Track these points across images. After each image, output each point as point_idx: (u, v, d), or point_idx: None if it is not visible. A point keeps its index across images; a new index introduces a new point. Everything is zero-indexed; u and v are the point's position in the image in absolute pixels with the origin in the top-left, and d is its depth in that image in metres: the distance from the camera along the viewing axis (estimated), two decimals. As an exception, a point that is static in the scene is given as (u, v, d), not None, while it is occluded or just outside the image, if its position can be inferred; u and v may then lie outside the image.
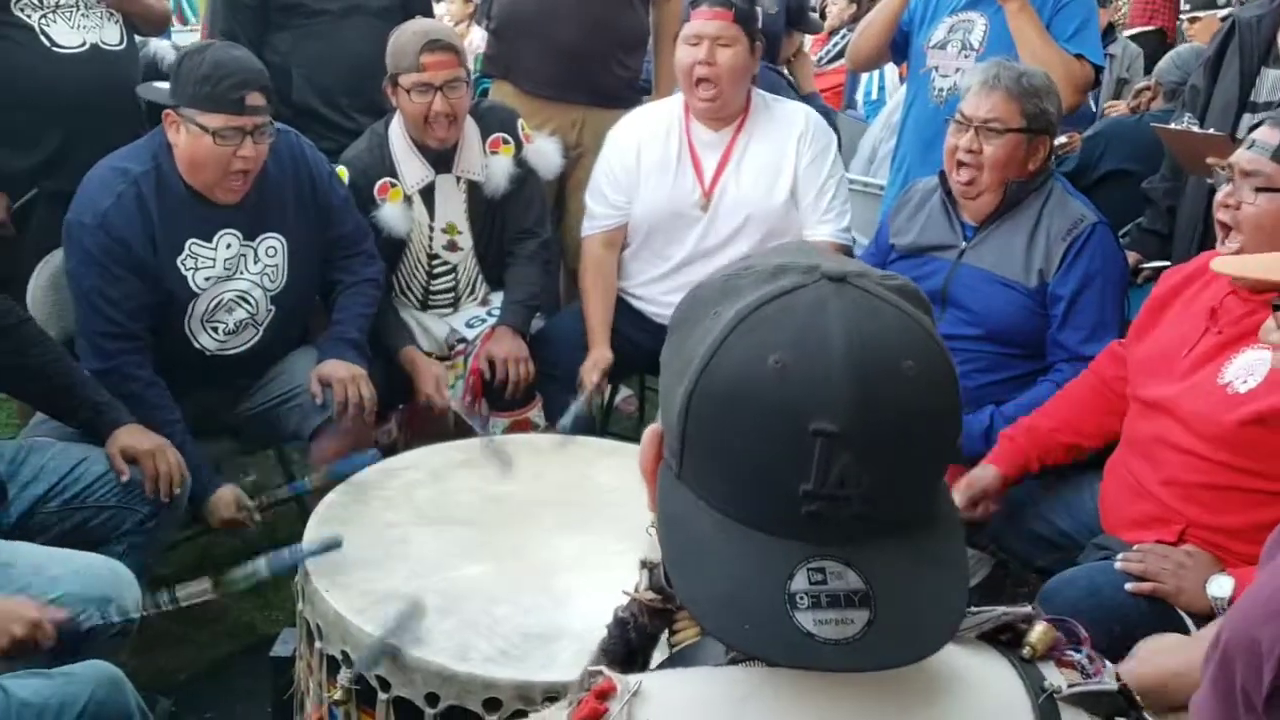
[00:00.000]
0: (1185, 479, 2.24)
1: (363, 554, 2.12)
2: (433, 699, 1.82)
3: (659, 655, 1.08)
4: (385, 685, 1.87)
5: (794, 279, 0.84)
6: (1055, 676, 0.92)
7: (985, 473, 2.57)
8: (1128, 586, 2.15)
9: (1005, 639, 0.94)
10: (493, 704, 1.79)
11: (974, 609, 0.94)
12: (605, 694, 0.85)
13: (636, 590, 1.02)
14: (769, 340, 0.81)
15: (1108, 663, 0.96)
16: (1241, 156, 2.24)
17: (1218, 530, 2.19)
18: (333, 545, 2.10)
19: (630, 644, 1.04)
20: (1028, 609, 0.96)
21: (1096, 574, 2.22)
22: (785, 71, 5.09)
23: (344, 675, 1.93)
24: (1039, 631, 0.93)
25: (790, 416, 0.80)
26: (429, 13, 3.49)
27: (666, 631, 1.07)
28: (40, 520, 2.40)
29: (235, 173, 2.69)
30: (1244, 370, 2.19)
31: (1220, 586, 2.08)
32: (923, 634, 0.82)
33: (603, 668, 0.89)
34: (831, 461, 0.79)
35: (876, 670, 0.81)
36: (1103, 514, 2.44)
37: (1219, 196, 2.30)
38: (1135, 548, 2.21)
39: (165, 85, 2.80)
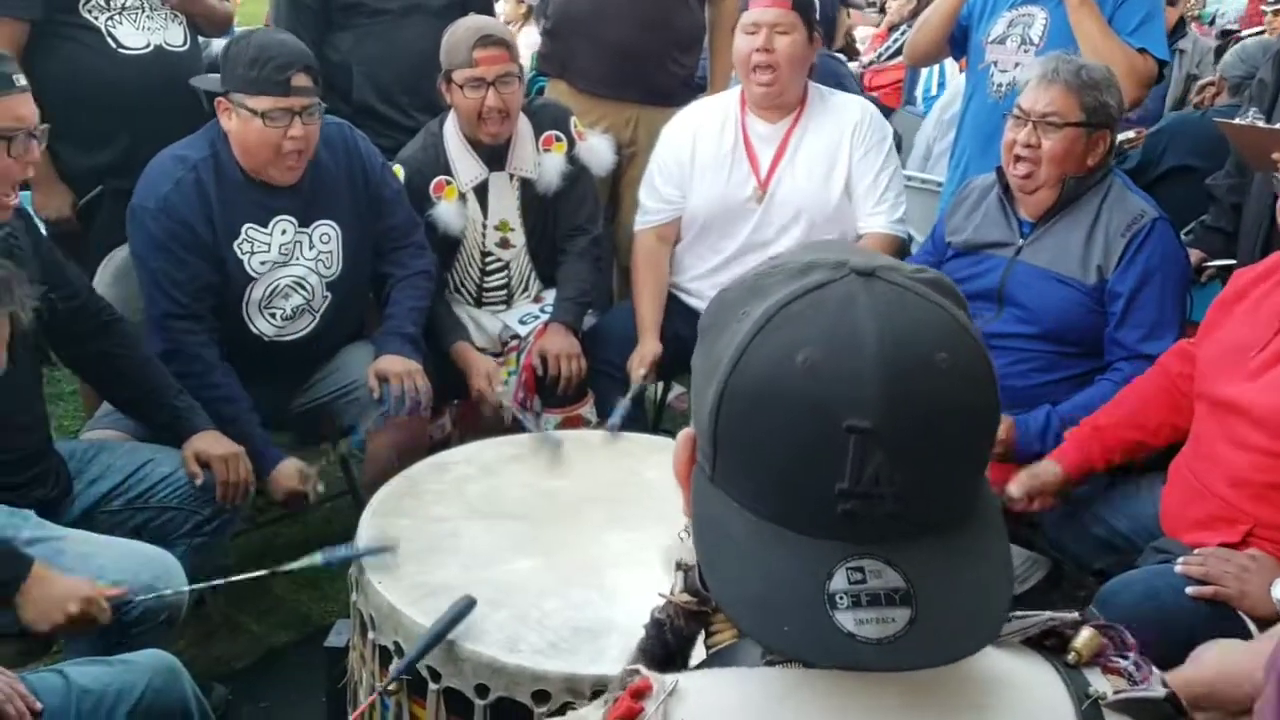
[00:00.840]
0: (1253, 479, 2.19)
1: (415, 547, 2.14)
2: (482, 690, 1.84)
3: (697, 656, 1.08)
4: (436, 676, 1.88)
5: (822, 275, 0.82)
6: (1100, 683, 0.90)
7: (1047, 469, 2.53)
8: (1189, 590, 2.11)
9: (1050, 644, 0.93)
10: (541, 696, 1.80)
11: (1020, 613, 0.92)
12: (641, 693, 0.85)
13: (672, 593, 1.01)
14: (797, 337, 0.80)
15: (1155, 670, 0.94)
16: None
17: None
18: (387, 549, 2.11)
19: (668, 645, 1.03)
20: (1074, 614, 0.94)
21: (1155, 577, 2.19)
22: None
23: (395, 666, 1.95)
24: (1085, 637, 0.92)
25: (821, 414, 0.78)
26: (489, 12, 3.50)
27: (703, 634, 1.06)
28: (103, 518, 2.45)
29: (288, 153, 2.74)
30: None
31: None
32: (966, 632, 0.81)
33: (640, 667, 0.88)
34: (866, 458, 0.78)
35: (918, 669, 0.80)
36: (1164, 516, 2.39)
37: None
38: (1196, 551, 2.17)
39: (216, 76, 2.86)
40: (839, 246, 0.91)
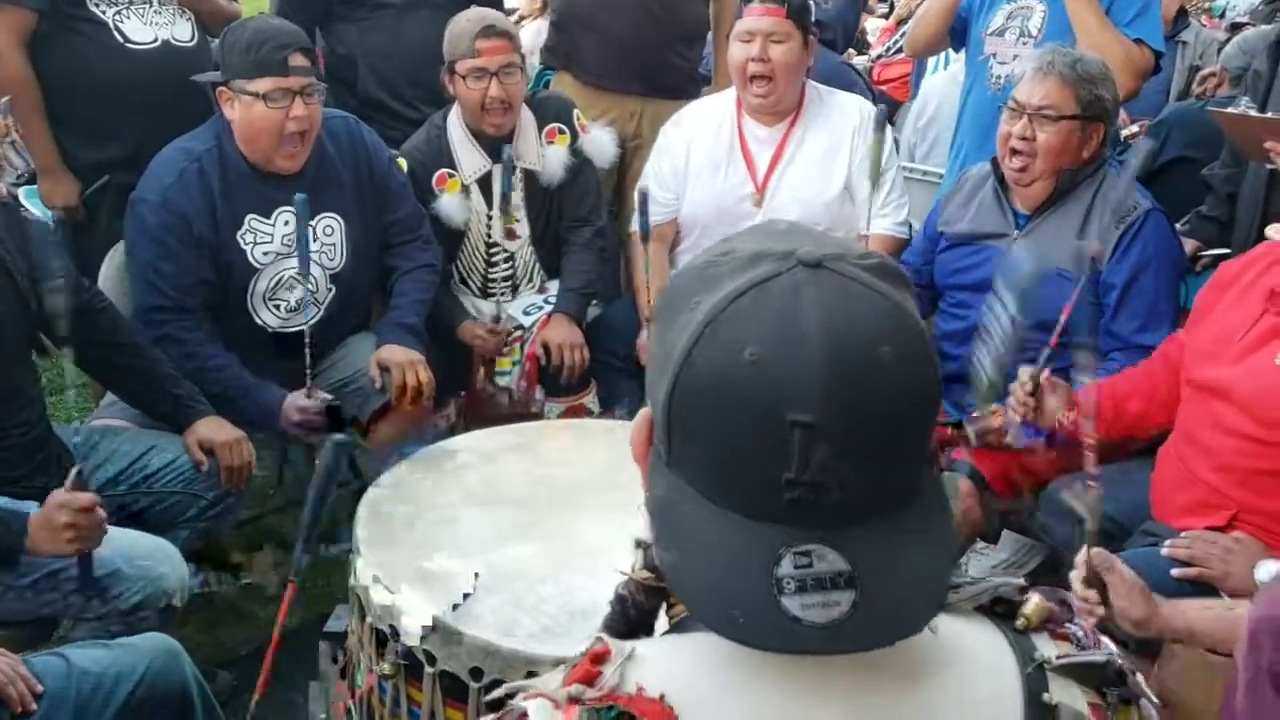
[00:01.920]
0: (1238, 464, 2.23)
1: (413, 533, 2.17)
2: (477, 673, 1.87)
3: (661, 629, 1.11)
4: (432, 660, 1.91)
5: (770, 266, 0.85)
6: (1048, 648, 0.93)
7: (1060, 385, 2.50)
8: (1174, 573, 2.14)
9: (1000, 611, 0.96)
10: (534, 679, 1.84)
11: (969, 579, 0.96)
12: (600, 658, 0.88)
13: (632, 569, 1.04)
14: (744, 334, 0.82)
15: (1106, 639, 0.97)
16: None
17: (1269, 515, 2.18)
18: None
19: (630, 620, 1.06)
20: (1020, 581, 0.97)
21: (1143, 560, 2.20)
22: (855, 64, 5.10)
23: (392, 649, 1.98)
24: (1033, 604, 0.95)
25: (768, 409, 0.81)
26: (493, 4, 3.54)
27: (665, 606, 1.09)
28: (108, 503, 2.46)
29: (291, 135, 2.77)
30: None
31: (1268, 571, 2.07)
32: (908, 613, 0.84)
33: (602, 635, 0.92)
34: (811, 451, 0.80)
35: (863, 651, 0.83)
36: (1153, 502, 2.43)
37: None
38: (1182, 534, 2.20)
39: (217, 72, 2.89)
40: (793, 231, 0.92)
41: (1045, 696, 0.89)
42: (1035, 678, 0.90)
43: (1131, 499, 2.50)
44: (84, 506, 2.07)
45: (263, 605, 3.13)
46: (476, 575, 1.96)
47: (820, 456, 0.80)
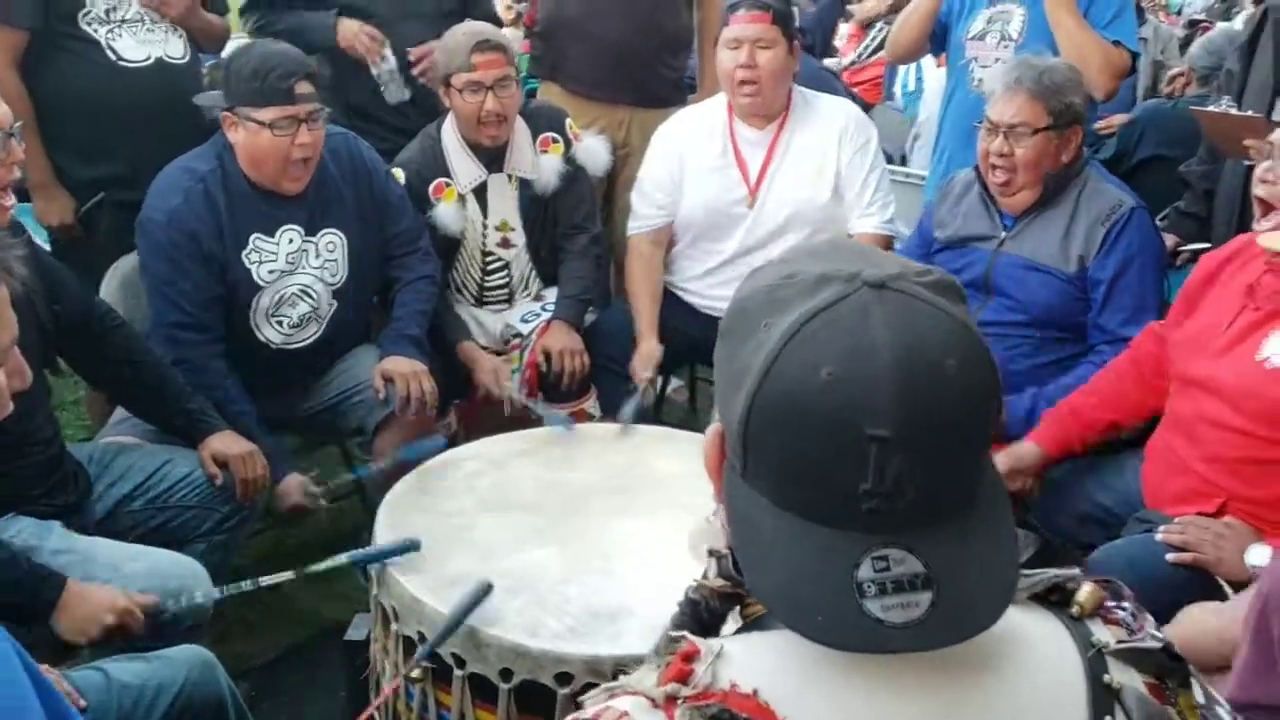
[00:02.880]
0: (1226, 455, 2.30)
1: (433, 540, 2.20)
2: (506, 674, 1.91)
3: (729, 628, 1.15)
4: (460, 663, 1.95)
5: (837, 289, 0.89)
6: (1103, 633, 0.98)
7: (1028, 450, 2.65)
8: (1169, 557, 2.21)
9: (1055, 599, 1.01)
10: (564, 678, 1.87)
11: (1025, 572, 1.00)
12: (691, 656, 0.92)
13: (705, 577, 1.07)
14: (819, 354, 0.86)
15: (1149, 616, 1.02)
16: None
17: (1257, 503, 2.25)
18: (411, 547, 2.17)
19: (702, 621, 1.09)
20: (1075, 570, 1.02)
21: (1138, 546, 2.29)
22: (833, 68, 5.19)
23: (419, 651, 2.02)
24: (1087, 591, 1.00)
25: (845, 425, 0.85)
26: (489, 19, 3.57)
27: (737, 607, 1.14)
28: (124, 519, 2.52)
29: (296, 161, 2.80)
30: None
31: (1259, 555, 2.14)
32: (982, 607, 0.88)
33: (685, 633, 0.96)
34: (887, 463, 0.85)
35: (943, 647, 0.87)
36: (1145, 491, 2.50)
37: (1258, 172, 2.35)
38: (1176, 520, 2.27)
39: (218, 93, 2.91)
40: (850, 252, 0.97)
41: (1106, 679, 0.94)
42: (1095, 662, 0.95)
43: (1124, 489, 2.59)
44: (132, 630, 2.11)
45: (270, 618, 3.16)
46: (491, 587, 2.00)
47: (895, 467, 0.85)
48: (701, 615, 1.06)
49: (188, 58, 3.36)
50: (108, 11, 3.21)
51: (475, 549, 2.20)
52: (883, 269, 0.90)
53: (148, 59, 3.26)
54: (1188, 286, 2.59)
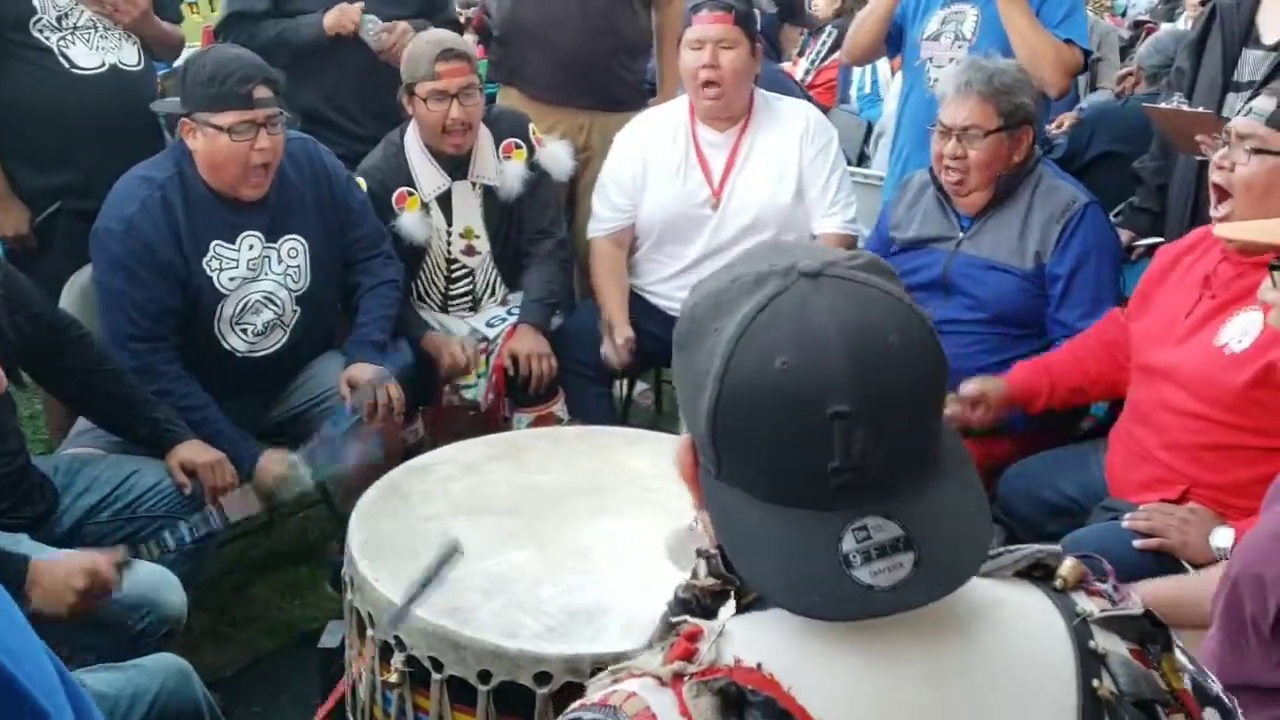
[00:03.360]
0: (1186, 441, 2.35)
1: (408, 545, 2.19)
2: (485, 676, 1.90)
3: (724, 615, 1.17)
4: (438, 666, 1.94)
5: (776, 284, 0.94)
6: (1086, 603, 1.02)
7: (995, 383, 2.70)
8: (1136, 544, 2.26)
9: (1038, 575, 1.05)
10: (543, 678, 1.87)
11: (1008, 549, 1.05)
12: (695, 636, 0.96)
13: (695, 577, 1.10)
14: (771, 346, 0.91)
15: (1132, 591, 1.06)
16: (1238, 122, 2.36)
17: (1219, 488, 2.30)
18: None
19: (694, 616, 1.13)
20: (1056, 547, 1.06)
21: (1105, 533, 2.33)
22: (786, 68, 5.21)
23: (397, 659, 2.01)
24: (1069, 565, 1.04)
25: (806, 407, 0.89)
26: (450, 25, 3.59)
27: (730, 599, 1.16)
28: (92, 530, 2.50)
29: (256, 167, 2.79)
30: (1239, 331, 2.30)
31: (1222, 538, 2.20)
32: (963, 557, 0.93)
33: (686, 616, 1.00)
34: (851, 438, 0.89)
35: (933, 602, 0.92)
36: (1109, 480, 2.55)
37: (1215, 158, 2.40)
38: (1141, 507, 2.32)
39: (175, 100, 2.90)
40: (785, 248, 1.02)
41: (1091, 645, 0.98)
42: (1080, 629, 0.99)
43: (1088, 479, 2.63)
44: (106, 586, 2.09)
45: (241, 627, 3.15)
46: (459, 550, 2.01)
47: (859, 441, 0.89)
48: (694, 612, 1.08)
49: (142, 65, 3.34)
50: (59, 19, 3.18)
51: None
52: (816, 259, 0.95)
53: (102, 66, 3.23)
54: (1146, 279, 2.65)
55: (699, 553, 1.11)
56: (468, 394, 3.28)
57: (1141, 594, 1.90)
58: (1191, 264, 2.52)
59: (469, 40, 5.15)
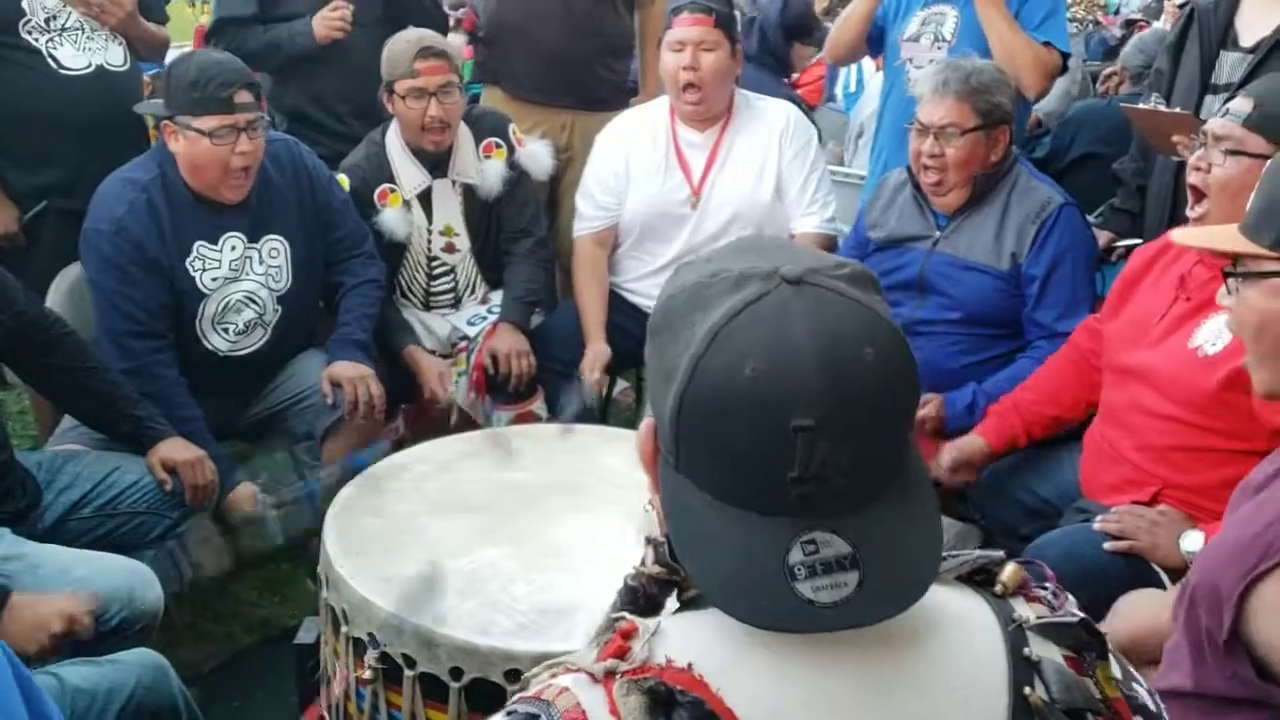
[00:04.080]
0: (1158, 443, 2.36)
1: (382, 542, 2.22)
2: (457, 673, 1.92)
3: (668, 610, 1.19)
4: (411, 663, 1.96)
5: (757, 287, 0.93)
6: (1024, 610, 1.03)
7: (973, 443, 2.71)
8: (1106, 546, 2.27)
9: (980, 579, 1.05)
10: (514, 675, 1.88)
11: (952, 553, 1.05)
12: (629, 634, 0.96)
13: (643, 564, 1.10)
14: (744, 350, 0.90)
15: (1070, 597, 1.06)
16: (1214, 123, 2.36)
17: (1190, 490, 2.30)
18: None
19: (640, 607, 1.13)
20: (999, 552, 1.07)
21: (1076, 535, 2.35)
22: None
23: (371, 655, 2.02)
24: (1009, 571, 1.05)
25: (771, 416, 0.89)
26: (425, 24, 3.59)
27: (675, 590, 1.17)
28: (74, 526, 2.52)
29: (236, 170, 2.81)
30: (1212, 334, 2.30)
31: (1192, 541, 2.20)
32: (906, 585, 0.92)
33: (625, 613, 0.99)
34: (812, 451, 0.88)
35: (871, 624, 0.92)
36: (1083, 481, 2.56)
37: (1191, 159, 2.40)
38: (1112, 510, 2.33)
39: (159, 101, 2.92)
40: (771, 248, 1.01)
41: (1026, 651, 0.99)
42: (1016, 636, 1.00)
43: (1062, 481, 2.65)
44: (80, 634, 2.11)
45: (219, 623, 3.16)
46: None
47: (821, 454, 0.89)
48: (639, 601, 1.09)
49: (128, 65, 3.36)
50: (47, 20, 3.20)
51: (426, 550, 2.20)
52: (800, 264, 0.94)
53: (88, 67, 3.25)
54: (1121, 280, 2.65)
55: (648, 540, 1.11)
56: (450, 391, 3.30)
57: (1130, 622, 1.94)
58: (1166, 266, 2.53)
59: (458, 41, 5.18)
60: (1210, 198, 2.34)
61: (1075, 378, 2.70)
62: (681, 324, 0.95)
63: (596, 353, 3.32)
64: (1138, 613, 2.05)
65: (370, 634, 2.03)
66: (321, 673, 2.32)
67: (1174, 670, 1.54)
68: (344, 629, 2.11)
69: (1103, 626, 1.91)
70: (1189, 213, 2.43)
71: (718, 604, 0.94)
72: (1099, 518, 2.34)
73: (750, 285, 0.93)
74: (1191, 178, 2.39)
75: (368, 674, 2.03)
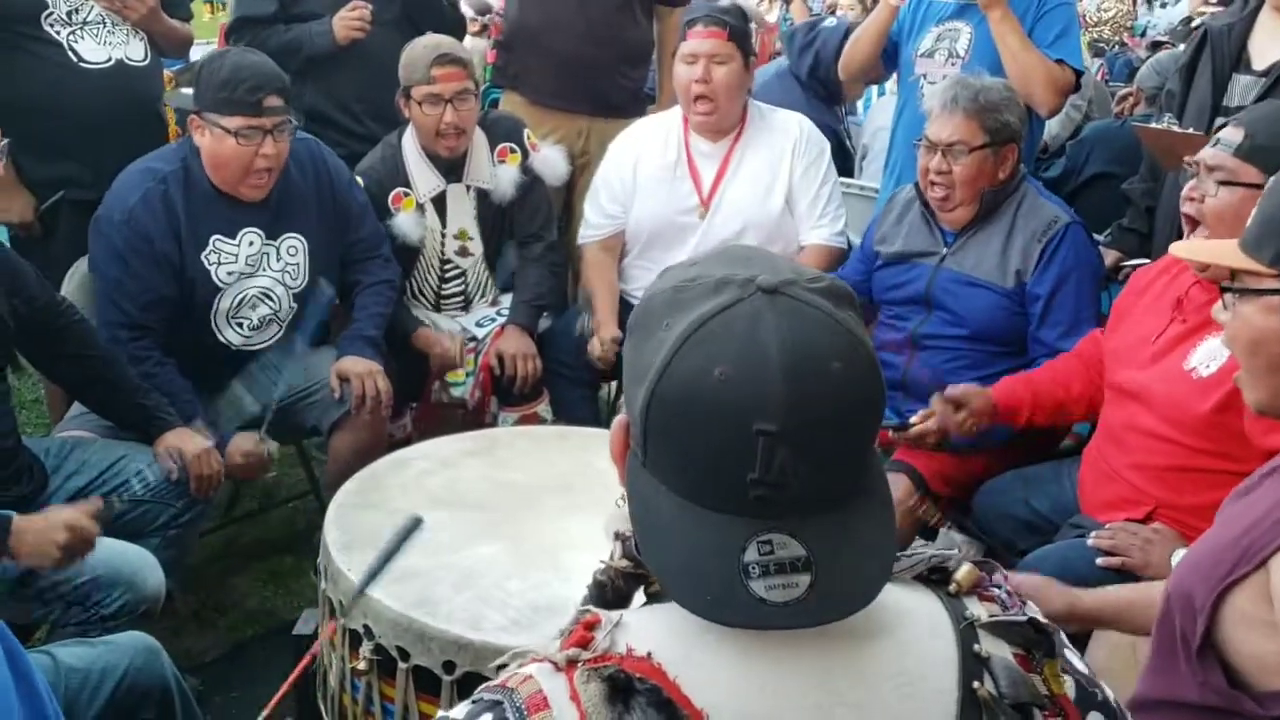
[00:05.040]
0: (1152, 463, 2.37)
1: (380, 537, 2.23)
2: (449, 666, 1.94)
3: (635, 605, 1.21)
4: (405, 655, 1.99)
5: (732, 294, 0.96)
6: (977, 608, 1.06)
7: (980, 392, 2.71)
8: (1099, 561, 2.28)
9: (935, 578, 1.08)
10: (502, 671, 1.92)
11: (909, 552, 1.08)
12: (592, 625, 0.99)
13: (611, 558, 1.14)
14: (713, 354, 0.93)
15: (1027, 600, 1.09)
16: (1207, 153, 2.36)
17: (1184, 510, 2.31)
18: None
19: (608, 602, 1.15)
20: (953, 551, 1.10)
21: (1069, 551, 2.36)
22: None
23: (366, 647, 2.05)
24: (964, 571, 1.08)
25: (736, 419, 0.92)
26: (438, 26, 3.63)
27: (642, 587, 1.20)
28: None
29: (259, 170, 2.84)
30: (1207, 356, 2.31)
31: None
32: (856, 591, 0.95)
33: (590, 606, 1.03)
34: (773, 455, 0.91)
35: (819, 626, 0.95)
36: (1080, 498, 2.57)
37: (1185, 190, 2.41)
38: (1106, 526, 2.34)
39: (189, 93, 2.96)
40: (752, 257, 1.04)
41: (976, 648, 1.02)
42: (967, 633, 1.03)
43: (1060, 496, 2.65)
44: (87, 537, 2.15)
45: (223, 614, 3.20)
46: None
47: (781, 459, 0.92)
48: (607, 595, 1.12)
49: (148, 60, 3.41)
50: (69, 14, 3.25)
51: (423, 544, 2.23)
52: (777, 274, 0.97)
53: (108, 61, 3.30)
54: (1121, 300, 2.67)
55: (616, 535, 1.14)
56: (455, 392, 3.34)
57: (1096, 597, 1.95)
58: (1164, 287, 2.54)
59: (481, 45, 5.22)
60: (1207, 226, 2.33)
61: (1081, 374, 2.72)
62: (657, 324, 0.98)
63: (608, 333, 3.32)
64: (1129, 592, 2.05)
65: (366, 625, 2.06)
66: (318, 664, 2.35)
67: (1148, 677, 1.55)
68: (340, 620, 2.14)
69: (1088, 597, 1.94)
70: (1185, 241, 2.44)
71: (673, 596, 0.97)
72: (1093, 534, 2.35)
73: (726, 292, 0.96)
74: (1185, 207, 2.39)
75: (362, 665, 2.05)
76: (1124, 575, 2.26)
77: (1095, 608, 1.93)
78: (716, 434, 0.93)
